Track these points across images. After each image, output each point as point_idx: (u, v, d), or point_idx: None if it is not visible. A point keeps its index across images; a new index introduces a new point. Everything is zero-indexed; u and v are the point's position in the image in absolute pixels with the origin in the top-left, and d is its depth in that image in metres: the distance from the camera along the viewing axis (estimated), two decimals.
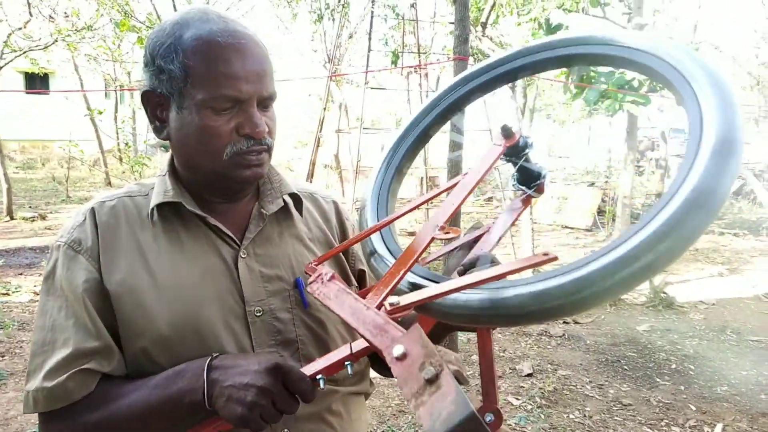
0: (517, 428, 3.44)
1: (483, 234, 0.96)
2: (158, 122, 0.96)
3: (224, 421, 0.81)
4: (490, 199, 12.79)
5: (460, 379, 0.58)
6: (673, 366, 4.46)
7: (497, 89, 1.05)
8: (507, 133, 0.91)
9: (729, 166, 0.60)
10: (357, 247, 1.10)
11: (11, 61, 10.02)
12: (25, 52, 10.01)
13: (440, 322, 0.89)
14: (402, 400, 3.74)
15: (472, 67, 1.03)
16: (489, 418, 0.77)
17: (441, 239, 0.83)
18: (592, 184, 12.53)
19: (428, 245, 0.82)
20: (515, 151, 0.93)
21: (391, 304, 0.71)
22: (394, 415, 3.57)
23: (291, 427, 0.94)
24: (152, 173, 13.23)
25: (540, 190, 0.95)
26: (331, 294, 0.78)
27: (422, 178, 10.31)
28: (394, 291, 0.78)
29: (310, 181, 8.61)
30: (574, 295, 0.61)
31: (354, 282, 1.12)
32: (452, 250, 1.00)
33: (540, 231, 10.30)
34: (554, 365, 4.42)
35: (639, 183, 14.26)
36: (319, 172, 12.59)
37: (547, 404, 3.74)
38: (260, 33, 0.96)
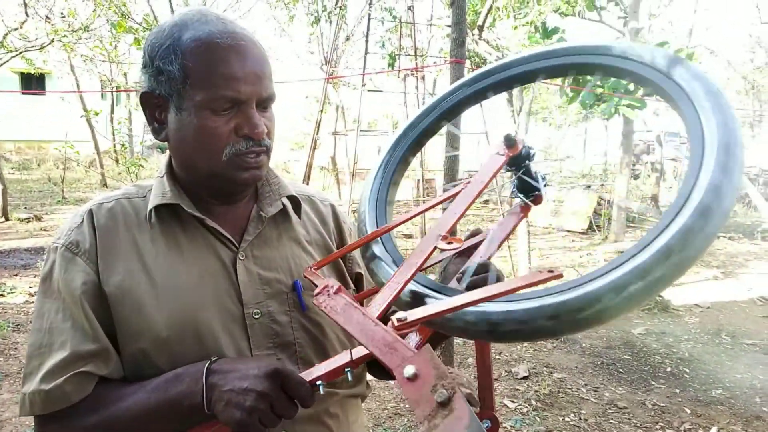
0: (513, 431, 3.45)
1: (482, 241, 0.96)
2: (157, 124, 0.96)
3: (223, 424, 0.81)
4: (486, 201, 12.80)
5: (471, 401, 0.59)
6: (668, 369, 4.47)
7: (510, 90, 1.07)
8: (510, 142, 0.91)
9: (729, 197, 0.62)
10: (354, 251, 1.10)
11: (7, 61, 9.99)
12: (21, 53, 9.97)
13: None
14: (398, 403, 3.74)
15: (487, 66, 1.03)
16: (486, 424, 0.77)
17: (444, 249, 0.82)
18: (588, 187, 12.56)
19: (430, 254, 0.82)
20: (517, 160, 0.93)
21: (399, 320, 0.71)
22: (390, 417, 3.57)
23: (289, 429, 0.94)
24: (148, 174, 13.21)
25: (537, 201, 0.95)
26: (338, 308, 0.77)
27: (419, 180, 10.32)
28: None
29: (307, 183, 8.60)
30: (585, 311, 0.62)
31: (351, 285, 1.12)
32: (450, 256, 1.00)
33: (536, 234, 10.33)
34: (550, 368, 4.42)
35: (635, 186, 14.30)
36: (315, 174, 12.59)
37: (542, 407, 3.74)
38: (257, 35, 0.96)
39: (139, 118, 20.48)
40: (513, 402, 3.81)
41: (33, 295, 5.75)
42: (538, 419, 3.57)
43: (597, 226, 10.50)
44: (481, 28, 7.40)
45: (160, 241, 0.94)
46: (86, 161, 16.77)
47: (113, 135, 16.98)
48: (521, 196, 0.96)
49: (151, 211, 0.95)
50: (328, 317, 0.78)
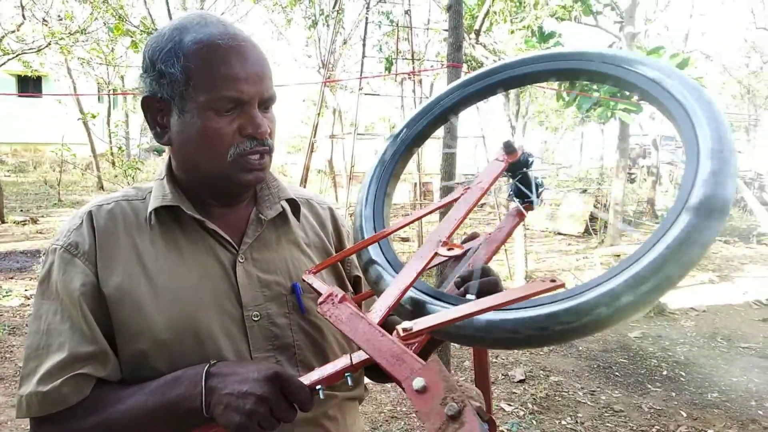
0: None
1: (479, 245, 0.97)
2: (159, 128, 0.96)
3: (221, 428, 0.81)
4: (482, 205, 12.83)
5: (481, 415, 0.59)
6: (665, 372, 4.48)
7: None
8: (509, 149, 0.91)
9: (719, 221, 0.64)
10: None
11: (4, 63, 9.99)
12: (17, 55, 9.97)
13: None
14: (394, 406, 3.74)
15: (486, 66, 1.04)
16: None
17: (445, 256, 0.82)
18: (585, 191, 12.60)
19: (430, 260, 0.82)
20: (516, 166, 0.94)
21: (404, 330, 0.71)
22: (387, 421, 3.56)
23: None
24: (145, 177, 13.20)
25: (529, 209, 0.96)
26: (344, 317, 0.77)
27: (415, 183, 10.34)
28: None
29: (304, 186, 8.60)
30: (587, 316, 0.63)
31: (350, 288, 1.13)
32: (446, 260, 1.00)
33: (532, 237, 10.34)
34: (546, 371, 4.43)
35: (631, 190, 14.34)
36: (312, 177, 12.58)
37: (539, 410, 3.75)
38: (255, 38, 0.97)
39: (136, 121, 20.47)
40: (510, 405, 3.81)
41: (29, 299, 5.73)
42: (534, 422, 3.58)
43: (593, 229, 10.52)
44: (478, 33, 7.42)
45: (159, 243, 0.94)
46: (83, 164, 16.74)
47: (110, 138, 16.95)
48: (516, 201, 0.97)
49: (151, 212, 0.95)
50: (332, 326, 0.78)
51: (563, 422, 3.61)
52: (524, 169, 0.95)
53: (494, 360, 4.60)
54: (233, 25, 0.94)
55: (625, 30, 8.49)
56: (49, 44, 9.83)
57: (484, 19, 7.29)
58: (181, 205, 0.95)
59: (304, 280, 0.95)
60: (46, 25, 9.98)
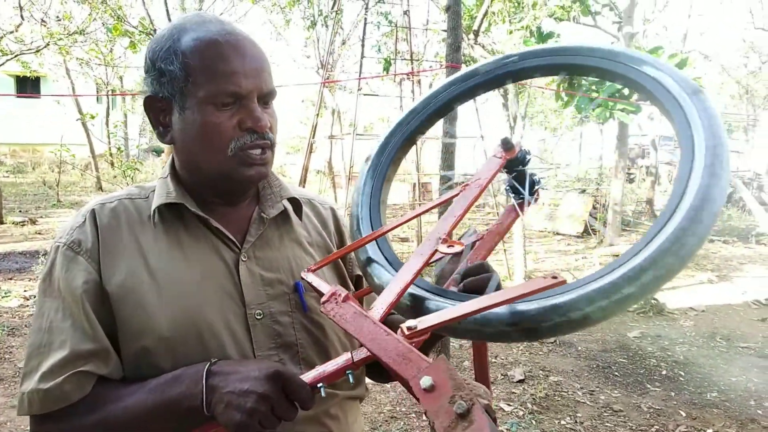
0: None
1: (477, 241, 0.97)
2: (162, 127, 0.97)
3: (222, 426, 0.81)
4: (482, 206, 12.83)
5: (489, 412, 0.59)
6: (664, 372, 4.48)
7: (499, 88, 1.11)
8: (507, 146, 0.92)
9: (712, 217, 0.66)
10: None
11: (2, 64, 9.98)
12: (16, 56, 9.96)
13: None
14: (394, 406, 3.74)
15: (479, 63, 1.05)
16: None
17: (444, 253, 0.83)
18: (584, 191, 12.60)
19: (430, 257, 0.83)
20: (513, 163, 0.95)
21: (409, 328, 0.71)
22: (386, 421, 3.57)
23: (289, 430, 0.94)
24: (144, 178, 13.19)
25: (523, 206, 0.97)
26: (348, 316, 0.77)
27: (414, 184, 10.34)
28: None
29: (303, 187, 8.60)
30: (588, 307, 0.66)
31: (352, 287, 1.13)
32: (443, 257, 1.00)
33: (531, 237, 10.35)
34: (546, 371, 4.43)
35: (629, 190, 14.35)
36: (311, 177, 12.58)
37: (538, 410, 3.75)
38: (253, 37, 0.98)
39: (135, 121, 20.47)
40: (509, 405, 3.81)
41: (28, 299, 5.72)
42: (534, 422, 3.58)
43: (592, 229, 10.53)
44: (476, 33, 7.42)
45: (162, 241, 0.95)
46: (81, 164, 16.73)
47: (109, 138, 16.94)
48: (512, 197, 0.97)
49: (154, 210, 0.95)
50: (335, 324, 0.78)
51: (562, 422, 3.61)
52: (521, 166, 0.95)
53: (493, 360, 4.61)
54: (232, 23, 0.95)
55: (623, 30, 8.51)
56: (48, 45, 9.83)
57: (482, 19, 7.30)
58: (184, 202, 0.95)
59: (303, 278, 0.95)
60: (45, 25, 9.97)
